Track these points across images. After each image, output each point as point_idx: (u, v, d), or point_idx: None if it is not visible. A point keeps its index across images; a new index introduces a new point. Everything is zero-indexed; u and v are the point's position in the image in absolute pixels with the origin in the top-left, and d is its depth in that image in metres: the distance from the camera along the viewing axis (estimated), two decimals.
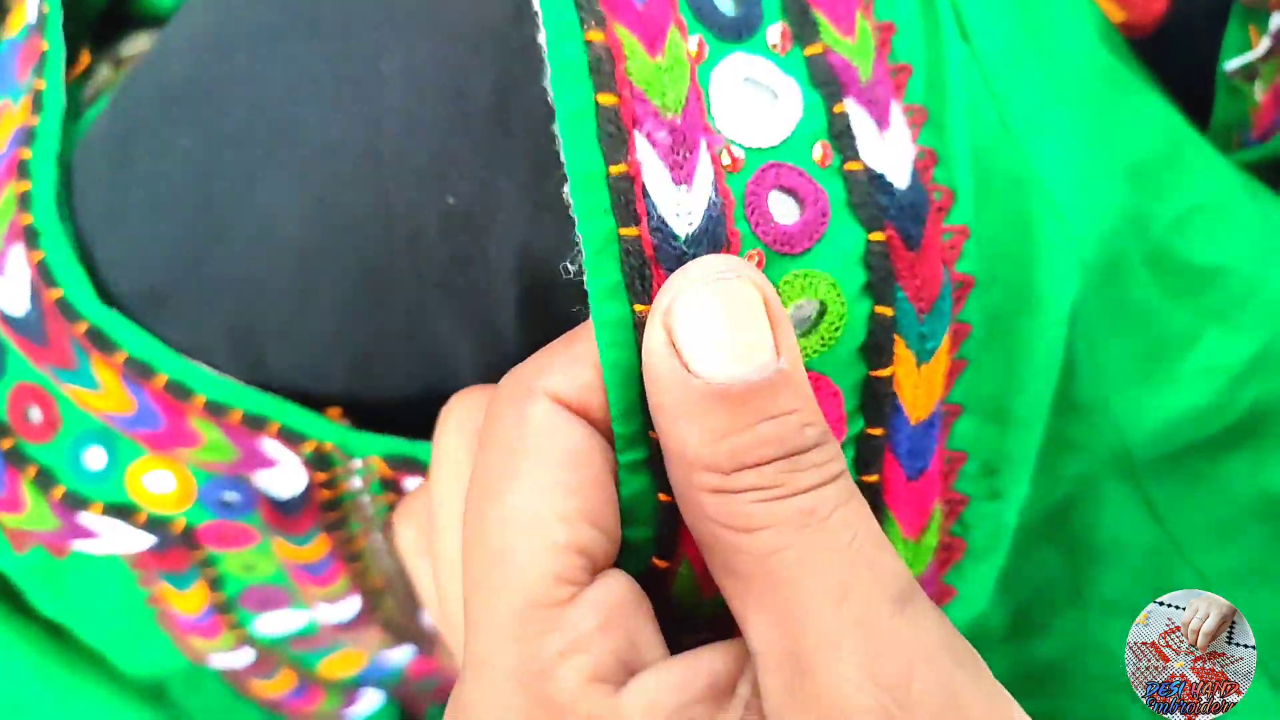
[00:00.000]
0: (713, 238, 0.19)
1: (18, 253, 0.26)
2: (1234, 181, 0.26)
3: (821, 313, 0.20)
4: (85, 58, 0.29)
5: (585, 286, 0.19)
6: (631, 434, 0.19)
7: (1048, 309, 0.25)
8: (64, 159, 0.27)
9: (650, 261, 0.18)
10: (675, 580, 0.21)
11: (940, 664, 0.17)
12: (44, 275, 0.25)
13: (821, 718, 0.17)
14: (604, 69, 0.18)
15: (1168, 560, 0.28)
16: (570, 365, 0.19)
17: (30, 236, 0.25)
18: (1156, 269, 0.26)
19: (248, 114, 0.24)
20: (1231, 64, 0.27)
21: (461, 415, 0.22)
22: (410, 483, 0.28)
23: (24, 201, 0.26)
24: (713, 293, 0.18)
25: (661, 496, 0.20)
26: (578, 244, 0.19)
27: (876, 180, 0.21)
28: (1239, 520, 0.27)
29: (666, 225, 0.19)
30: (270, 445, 0.26)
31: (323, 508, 0.28)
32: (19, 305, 0.26)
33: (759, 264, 0.19)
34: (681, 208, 0.19)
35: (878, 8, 0.23)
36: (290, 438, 0.26)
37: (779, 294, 0.19)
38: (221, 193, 0.24)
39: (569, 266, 0.19)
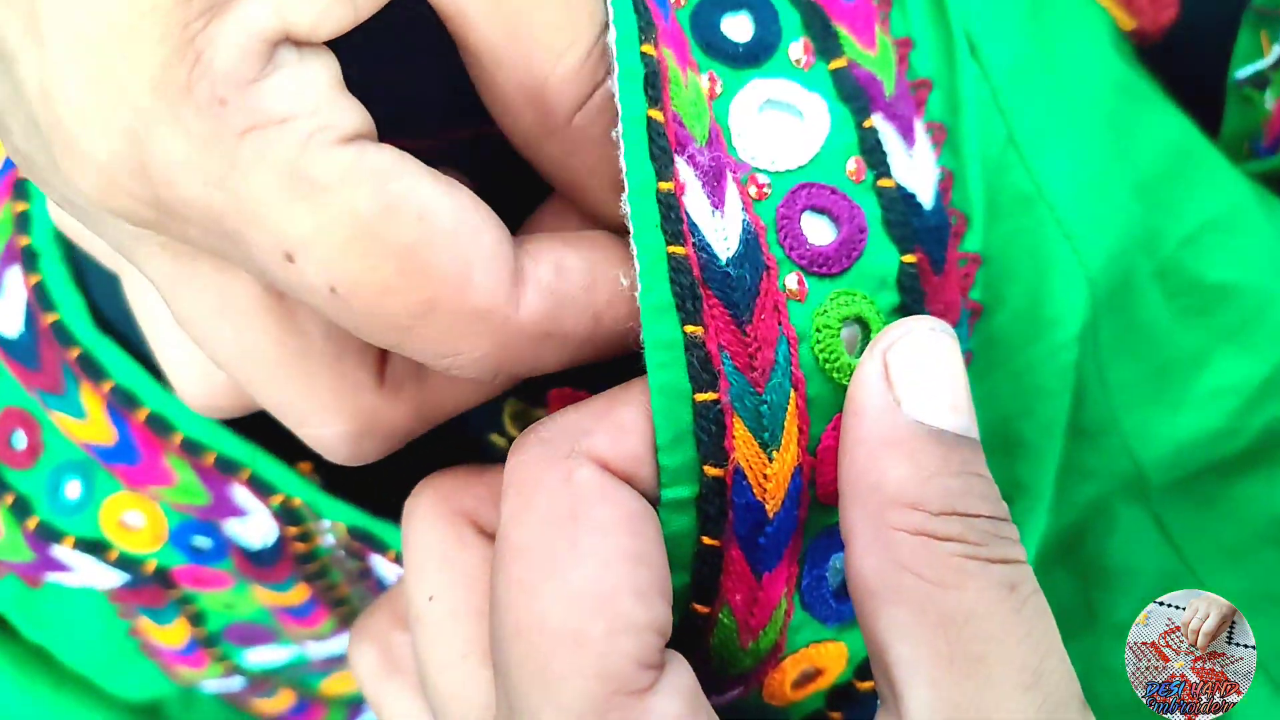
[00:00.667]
0: (753, 261, 0.18)
1: (14, 274, 0.26)
2: (1246, 195, 0.26)
3: (866, 333, 0.19)
4: None
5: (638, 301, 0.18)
6: (679, 467, 0.18)
7: (1056, 332, 0.24)
8: None
9: (699, 282, 0.18)
10: (716, 629, 0.19)
11: None
12: (40, 298, 0.25)
13: None
14: (656, 84, 0.18)
15: (1181, 584, 0.27)
16: (615, 432, 0.18)
17: (28, 258, 0.25)
18: (1167, 287, 0.25)
19: None
20: (1242, 72, 0.26)
21: (432, 504, 0.20)
22: (374, 559, 0.27)
23: (22, 222, 0.26)
24: (938, 342, 0.18)
25: (705, 540, 0.18)
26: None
27: (908, 199, 0.20)
28: (1253, 544, 0.27)
29: (710, 247, 0.18)
30: (241, 493, 0.26)
31: (298, 560, 0.28)
32: (13, 327, 0.25)
33: (801, 285, 0.19)
34: (719, 232, 0.18)
35: (893, 23, 0.23)
36: (260, 488, 0.26)
37: (826, 312, 0.19)
38: None
39: (623, 280, 0.18)
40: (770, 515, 0.18)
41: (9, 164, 0.26)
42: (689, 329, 0.17)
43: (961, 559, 0.17)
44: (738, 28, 0.20)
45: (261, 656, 0.32)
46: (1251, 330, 0.25)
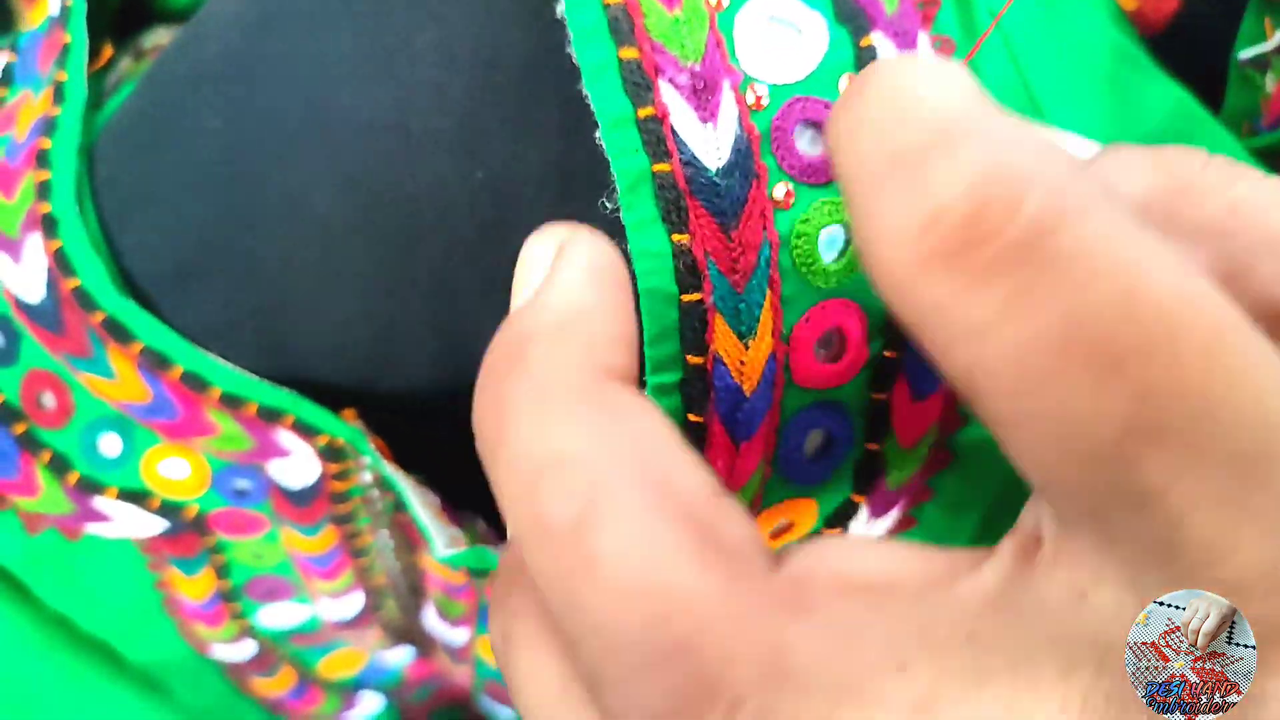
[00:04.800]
0: (743, 170, 0.20)
1: (35, 241, 0.26)
2: (1247, 158, 0.26)
3: (848, 238, 0.21)
4: (108, 51, 0.29)
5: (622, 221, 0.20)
6: (664, 358, 0.20)
7: None
8: (85, 148, 0.27)
9: (685, 194, 0.19)
10: None
11: None
12: (61, 264, 0.25)
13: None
14: (623, 28, 0.19)
15: None
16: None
17: (48, 225, 0.26)
18: None
19: (278, 92, 0.24)
20: (1245, 54, 0.27)
21: None
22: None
23: (43, 190, 0.26)
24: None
25: (691, 417, 0.21)
26: (613, 183, 0.20)
27: None
28: None
29: (698, 160, 0.19)
30: (285, 436, 0.27)
31: (333, 499, 0.29)
32: (35, 293, 0.26)
33: (788, 196, 0.20)
34: (709, 144, 0.20)
35: None
36: (305, 430, 0.26)
37: (808, 220, 0.20)
38: (250, 172, 0.25)
39: (606, 204, 0.20)
40: (747, 394, 0.21)
41: (33, 133, 0.27)
42: (676, 237, 0.19)
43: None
44: None
45: (276, 616, 0.33)
46: None
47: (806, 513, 0.24)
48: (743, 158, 0.20)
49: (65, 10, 0.28)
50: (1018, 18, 0.25)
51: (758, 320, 0.20)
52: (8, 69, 0.29)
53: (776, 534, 0.24)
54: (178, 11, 0.32)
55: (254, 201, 0.25)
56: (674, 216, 0.19)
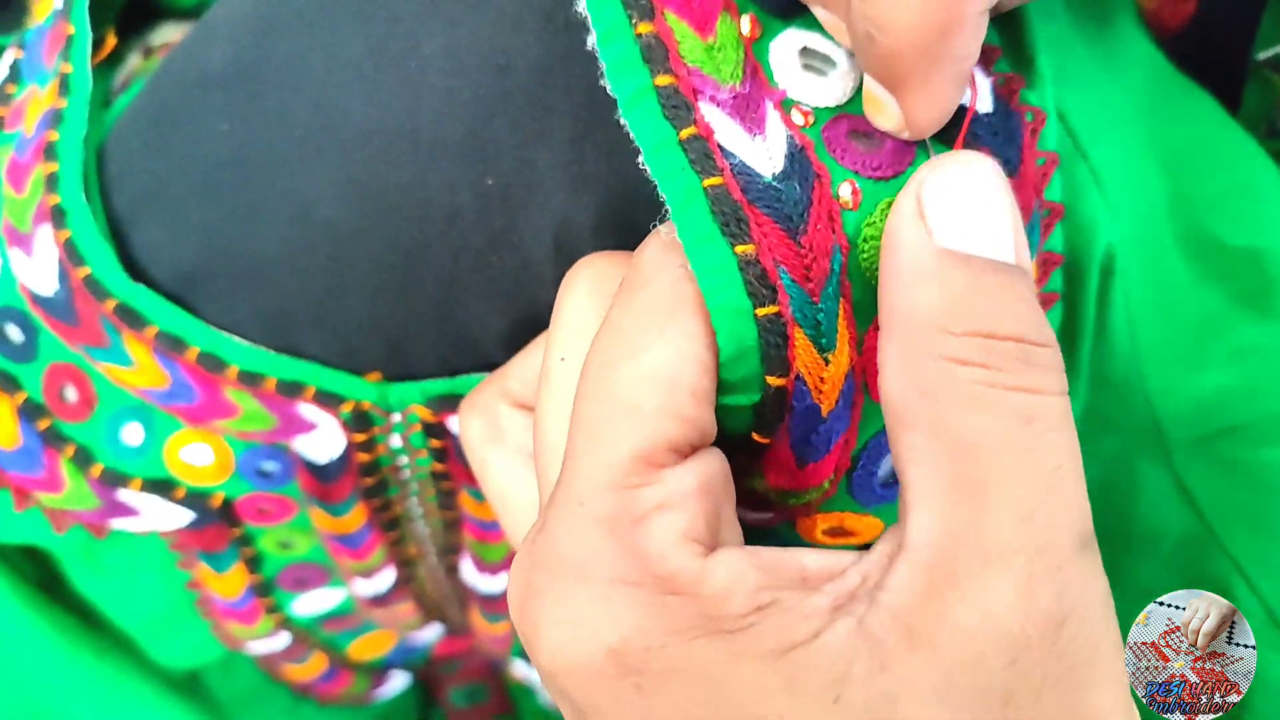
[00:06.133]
0: (801, 173, 0.19)
1: (45, 233, 0.26)
2: (1267, 167, 0.26)
3: None
4: (111, 39, 0.29)
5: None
6: (743, 379, 0.19)
7: (1088, 281, 0.25)
8: (95, 143, 0.27)
9: (742, 204, 0.18)
10: (747, 477, 0.21)
11: (1095, 617, 0.17)
12: (71, 254, 0.25)
13: (955, 629, 0.16)
14: (656, 55, 0.19)
15: (1203, 549, 0.27)
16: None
17: (57, 216, 0.26)
18: (1189, 250, 0.26)
19: (286, 97, 0.24)
20: (1264, 54, 0.27)
21: (593, 277, 0.21)
22: (454, 421, 0.28)
23: (51, 182, 0.26)
24: (973, 172, 0.18)
25: (756, 437, 0.20)
26: (664, 205, 0.18)
27: (958, 109, 0.20)
28: (1277, 511, 0.26)
29: (750, 168, 0.18)
30: (307, 409, 0.26)
31: (361, 472, 0.28)
32: (48, 285, 0.26)
33: (855, 195, 0.19)
34: (760, 153, 0.19)
35: None
36: (327, 400, 0.26)
37: (874, 223, 0.19)
38: (258, 176, 0.25)
39: (660, 228, 0.19)
40: (824, 415, 0.19)
41: (40, 127, 0.27)
42: (739, 249, 0.18)
43: (979, 385, 0.17)
44: None
45: (311, 604, 0.32)
46: (1271, 293, 0.25)
47: (870, 528, 0.23)
48: (799, 162, 0.19)
49: (68, 2, 0.28)
50: (1042, 23, 0.24)
51: (836, 331, 0.19)
52: (15, 66, 0.29)
53: (833, 534, 0.23)
54: (187, 8, 0.32)
55: (261, 205, 0.25)
56: (733, 228, 0.18)
